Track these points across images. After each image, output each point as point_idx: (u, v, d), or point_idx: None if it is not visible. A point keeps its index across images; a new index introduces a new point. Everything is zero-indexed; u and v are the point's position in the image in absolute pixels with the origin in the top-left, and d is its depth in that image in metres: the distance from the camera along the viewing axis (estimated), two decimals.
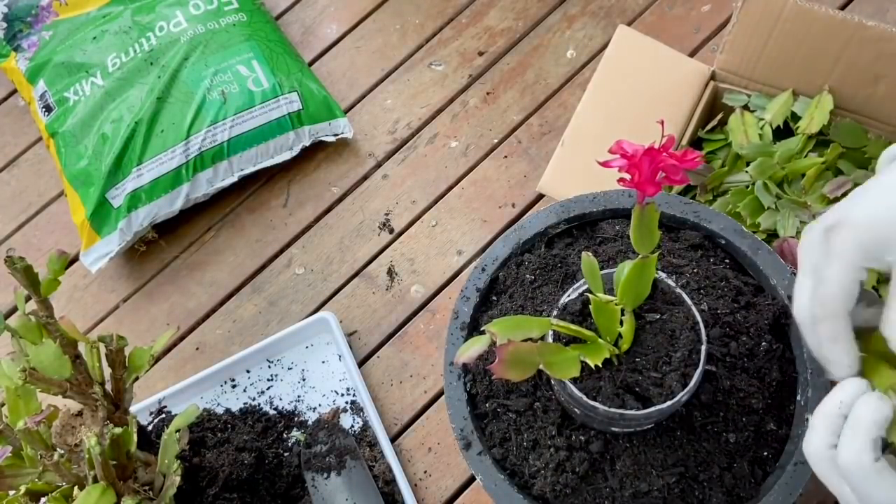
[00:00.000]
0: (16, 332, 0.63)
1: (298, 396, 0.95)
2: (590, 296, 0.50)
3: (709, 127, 0.89)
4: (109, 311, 1.06)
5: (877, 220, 0.43)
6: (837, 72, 0.81)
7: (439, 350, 0.97)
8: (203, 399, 0.96)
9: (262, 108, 1.04)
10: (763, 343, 0.57)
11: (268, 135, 1.05)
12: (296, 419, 0.94)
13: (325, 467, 0.86)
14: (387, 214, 1.06)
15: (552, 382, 0.56)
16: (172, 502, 0.66)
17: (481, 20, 1.16)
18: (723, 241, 0.64)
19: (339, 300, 1.02)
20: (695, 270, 0.61)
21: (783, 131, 0.85)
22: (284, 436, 0.92)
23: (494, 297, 0.65)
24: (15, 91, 1.19)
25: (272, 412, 0.94)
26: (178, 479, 0.66)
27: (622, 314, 0.51)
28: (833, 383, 0.46)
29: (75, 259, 1.06)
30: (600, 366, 0.49)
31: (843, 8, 1.08)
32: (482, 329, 0.48)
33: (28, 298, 0.64)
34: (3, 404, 0.92)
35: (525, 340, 0.46)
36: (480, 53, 1.14)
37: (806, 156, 0.82)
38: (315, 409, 0.94)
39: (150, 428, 0.85)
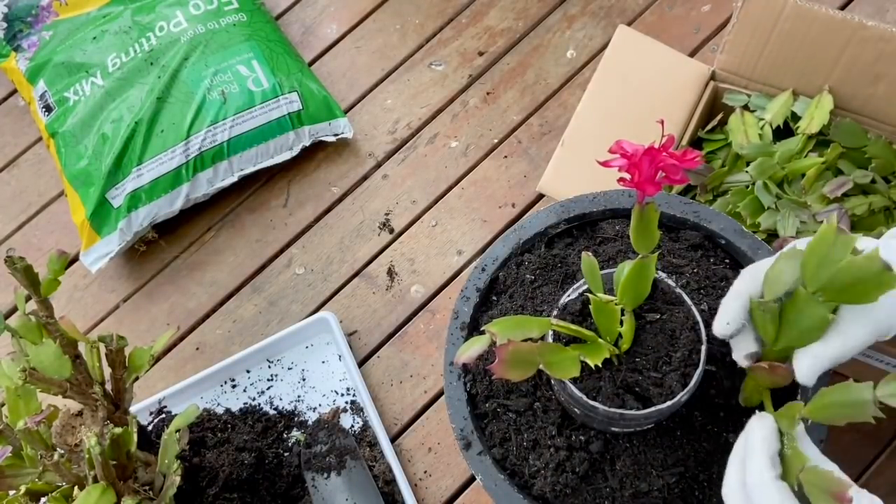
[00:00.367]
0: (16, 332, 0.63)
1: (298, 396, 0.95)
2: (590, 296, 0.50)
3: (709, 127, 0.89)
4: (109, 311, 1.06)
5: None
6: (837, 72, 0.81)
7: (439, 350, 0.97)
8: (203, 399, 0.96)
9: (262, 108, 1.04)
10: None
11: (268, 135, 1.05)
12: (296, 419, 0.94)
13: (325, 467, 0.86)
14: (387, 214, 1.06)
15: (552, 382, 0.56)
16: (172, 502, 0.66)
17: (481, 20, 1.16)
18: (723, 241, 0.64)
19: (339, 300, 1.02)
20: (695, 270, 0.61)
21: (783, 131, 0.85)
22: (284, 436, 0.92)
23: (494, 297, 0.65)
24: (15, 91, 1.19)
25: (272, 412, 0.94)
26: (178, 479, 0.66)
27: (622, 314, 0.51)
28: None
29: (75, 259, 1.06)
30: (600, 366, 0.49)
31: (843, 8, 1.08)
32: (482, 329, 0.48)
33: (28, 298, 0.64)
34: (3, 404, 0.92)
35: (525, 340, 0.46)
36: (480, 53, 1.14)
37: (806, 156, 0.82)
38: (315, 409, 0.94)
39: (150, 428, 0.85)
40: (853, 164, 0.81)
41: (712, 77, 0.88)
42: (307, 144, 1.07)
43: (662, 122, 0.47)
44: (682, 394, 0.50)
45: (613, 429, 0.55)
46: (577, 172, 0.84)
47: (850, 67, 0.80)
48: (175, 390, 0.93)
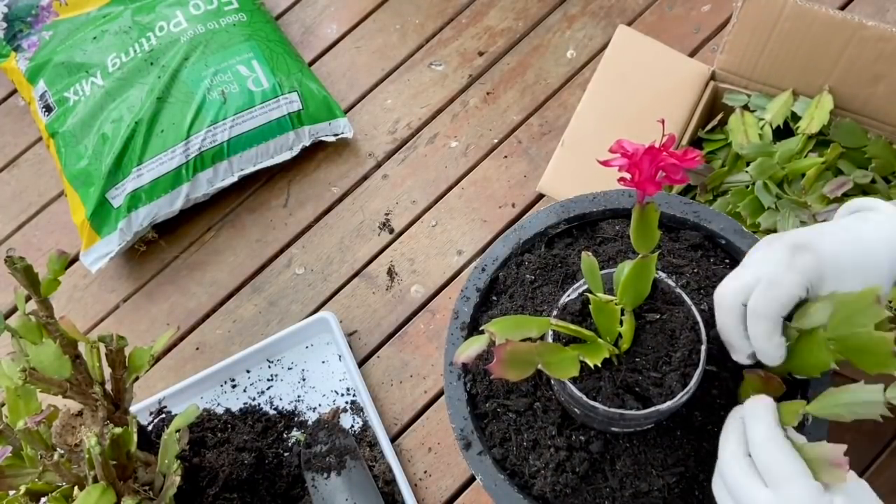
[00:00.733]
0: (16, 332, 0.63)
1: (298, 396, 0.95)
2: (589, 296, 0.50)
3: (709, 127, 0.89)
4: (109, 311, 1.06)
5: (838, 256, 0.49)
6: (837, 72, 0.81)
7: (439, 350, 0.97)
8: (203, 399, 0.96)
9: (262, 108, 1.04)
10: None
11: (268, 135, 1.05)
12: (296, 419, 0.94)
13: (325, 467, 0.86)
14: (387, 214, 1.06)
15: (552, 382, 0.56)
16: (172, 502, 0.66)
17: (481, 20, 1.16)
18: (723, 241, 0.64)
19: (339, 300, 1.02)
20: (695, 270, 0.61)
21: (783, 131, 0.85)
22: (284, 436, 0.92)
23: (494, 297, 0.65)
24: (15, 91, 1.19)
25: (272, 412, 0.94)
26: (178, 479, 0.66)
27: (622, 314, 0.51)
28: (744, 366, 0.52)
29: (75, 259, 1.06)
30: (600, 366, 0.49)
31: (843, 8, 1.08)
32: (481, 329, 0.48)
33: (28, 298, 0.64)
34: (3, 404, 0.92)
35: (524, 340, 0.46)
36: (480, 53, 1.14)
37: (806, 156, 0.82)
38: (315, 409, 0.94)
39: (150, 428, 0.85)
40: (853, 164, 0.81)
41: (712, 77, 0.88)
42: (307, 144, 1.07)
43: (663, 122, 0.47)
44: (681, 394, 0.50)
45: (613, 429, 0.55)
46: (577, 172, 0.84)
47: (850, 67, 0.80)
48: (175, 390, 0.93)
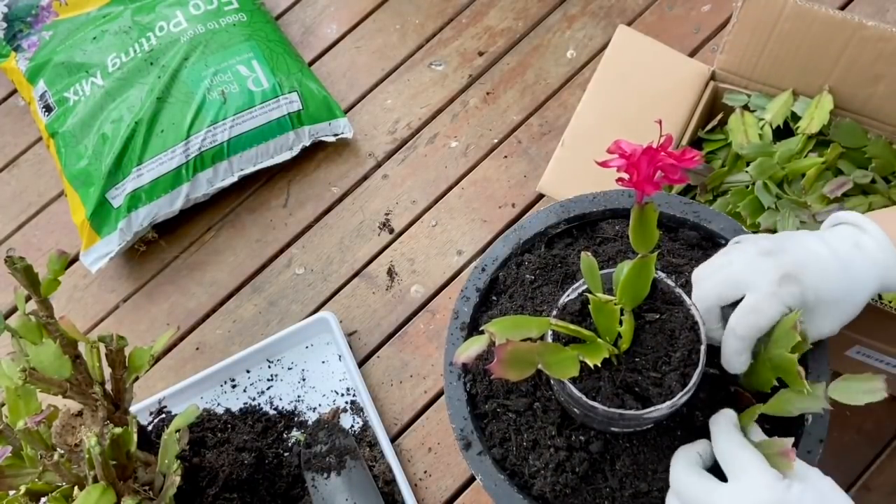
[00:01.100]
0: (16, 332, 0.63)
1: (298, 396, 0.95)
2: (589, 296, 0.50)
3: (709, 127, 0.89)
4: (109, 311, 1.06)
5: (823, 291, 0.52)
6: (837, 72, 0.81)
7: (439, 350, 0.97)
8: (203, 399, 0.96)
9: (262, 108, 1.04)
10: None
11: (268, 135, 1.05)
12: (296, 419, 0.94)
13: (325, 467, 0.86)
14: (387, 214, 1.06)
15: (552, 382, 0.56)
16: (172, 502, 0.66)
17: (481, 20, 1.16)
18: (723, 241, 0.64)
19: (339, 300, 1.02)
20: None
21: (783, 131, 0.85)
22: (284, 436, 0.92)
23: (494, 297, 0.65)
24: (15, 91, 1.19)
25: (272, 412, 0.94)
26: (178, 479, 0.66)
27: (621, 314, 0.51)
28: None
29: (75, 259, 1.06)
30: (599, 366, 0.49)
31: (843, 8, 1.08)
32: (481, 329, 0.48)
33: (28, 298, 0.64)
34: (3, 404, 0.92)
35: (524, 340, 0.46)
36: (480, 53, 1.14)
37: (806, 156, 0.82)
38: (315, 409, 0.94)
39: (150, 428, 0.85)
40: (853, 164, 0.81)
41: (712, 77, 0.88)
42: (307, 144, 1.07)
43: (660, 122, 0.47)
44: (681, 394, 0.50)
45: (613, 429, 0.55)
46: (577, 172, 0.84)
47: (850, 67, 0.80)
48: (175, 390, 0.93)
